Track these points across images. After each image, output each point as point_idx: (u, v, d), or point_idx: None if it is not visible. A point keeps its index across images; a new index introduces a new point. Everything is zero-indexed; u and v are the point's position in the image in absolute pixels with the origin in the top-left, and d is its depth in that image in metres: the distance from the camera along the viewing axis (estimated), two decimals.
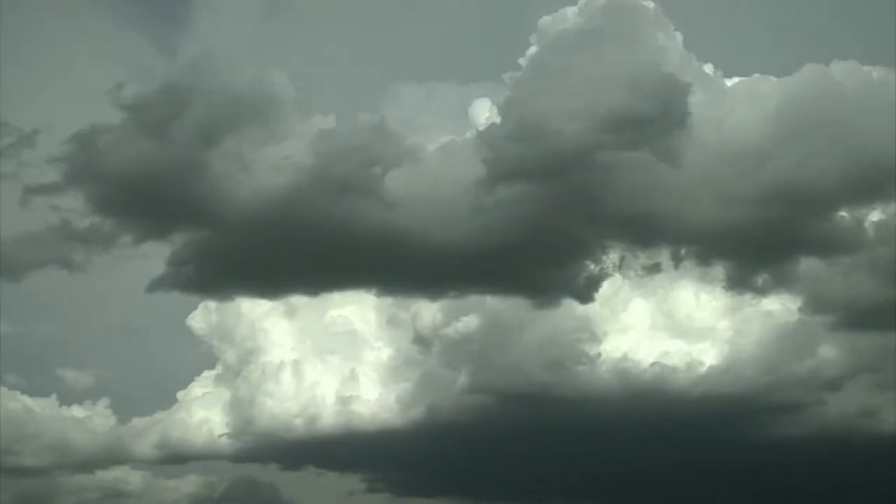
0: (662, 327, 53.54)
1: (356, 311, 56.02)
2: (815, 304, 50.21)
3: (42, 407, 57.51)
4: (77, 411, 57.92)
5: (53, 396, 58.37)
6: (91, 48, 77.74)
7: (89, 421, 57.36)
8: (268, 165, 46.46)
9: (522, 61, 46.58)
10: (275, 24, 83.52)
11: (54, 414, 57.46)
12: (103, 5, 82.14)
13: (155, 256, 48.89)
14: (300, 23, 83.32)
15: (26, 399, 57.51)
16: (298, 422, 54.17)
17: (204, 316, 56.94)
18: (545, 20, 46.84)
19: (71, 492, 57.46)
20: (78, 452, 56.69)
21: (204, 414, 56.27)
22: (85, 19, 79.86)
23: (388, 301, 54.41)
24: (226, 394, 56.73)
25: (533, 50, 46.50)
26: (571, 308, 50.77)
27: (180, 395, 58.03)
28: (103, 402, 58.35)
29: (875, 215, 47.28)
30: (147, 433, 56.46)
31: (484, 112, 49.12)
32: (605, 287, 50.14)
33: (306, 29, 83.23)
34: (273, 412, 54.33)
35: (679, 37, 46.31)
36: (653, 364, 51.82)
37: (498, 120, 45.77)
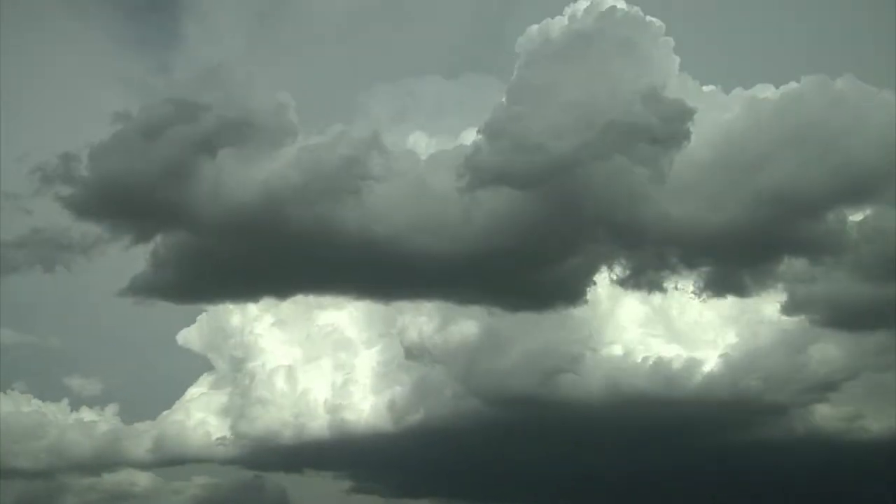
0: (654, 331, 53.58)
1: (350, 317, 56.76)
2: (804, 305, 50.42)
3: (53, 412, 58.86)
4: (86, 415, 59.21)
5: (65, 401, 59.72)
6: (87, 65, 78.85)
7: (97, 425, 58.50)
8: (261, 175, 46.96)
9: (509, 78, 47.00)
10: (265, 35, 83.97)
11: (65, 419, 58.80)
12: (97, 24, 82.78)
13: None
14: (290, 35, 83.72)
15: (38, 403, 58.92)
16: (293, 426, 54.83)
17: (200, 325, 58.07)
18: (521, 41, 47.33)
19: (79, 492, 58.62)
20: (84, 455, 57.76)
21: (204, 418, 56.99)
22: (80, 37, 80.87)
23: (382, 307, 54.94)
24: (224, 399, 57.55)
25: (520, 61, 46.79)
26: (563, 313, 51.25)
27: (180, 400, 58.81)
28: (111, 409, 59.76)
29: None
30: (151, 438, 57.36)
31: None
32: (597, 292, 50.73)
33: (296, 43, 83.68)
34: (269, 417, 55.01)
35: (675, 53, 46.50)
36: (644, 367, 51.92)
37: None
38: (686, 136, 44.30)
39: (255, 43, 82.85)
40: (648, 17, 45.92)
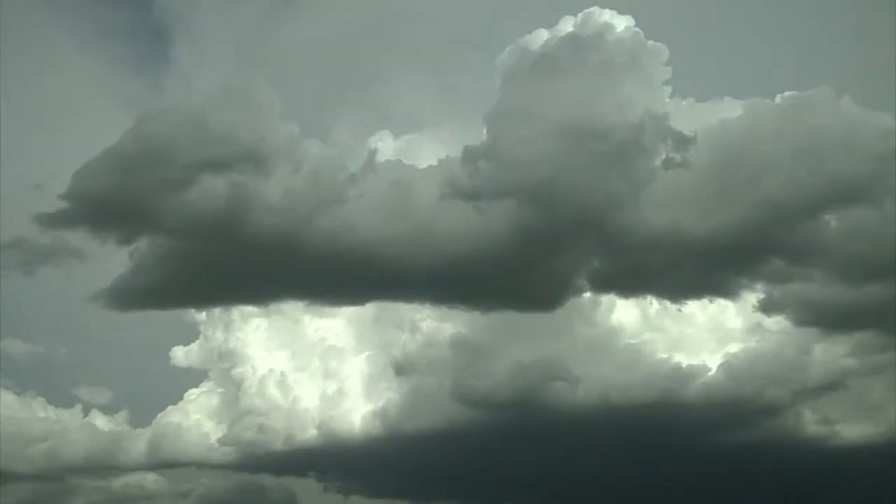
0: (644, 336, 53.97)
1: (340, 324, 57.32)
2: (790, 308, 50.93)
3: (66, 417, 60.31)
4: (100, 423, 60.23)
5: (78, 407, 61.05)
6: (84, 88, 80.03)
7: (105, 431, 59.59)
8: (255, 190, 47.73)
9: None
10: (253, 52, 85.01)
11: (78, 424, 59.86)
12: (93, 48, 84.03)
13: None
14: (278, 52, 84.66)
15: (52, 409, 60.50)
16: (288, 433, 55.48)
17: (194, 337, 59.12)
18: (500, 58, 47.77)
19: (89, 493, 59.90)
20: (92, 459, 58.79)
21: (202, 424, 57.92)
22: (78, 60, 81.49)
23: (371, 314, 55.93)
24: (222, 406, 58.08)
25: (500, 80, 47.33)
26: (553, 320, 51.90)
27: (180, 405, 59.40)
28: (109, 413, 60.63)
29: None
30: (147, 443, 58.11)
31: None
32: (584, 298, 51.42)
33: (283, 59, 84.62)
34: (264, 424, 55.65)
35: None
36: (634, 371, 52.29)
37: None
38: (685, 164, 45.13)
39: (244, 61, 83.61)
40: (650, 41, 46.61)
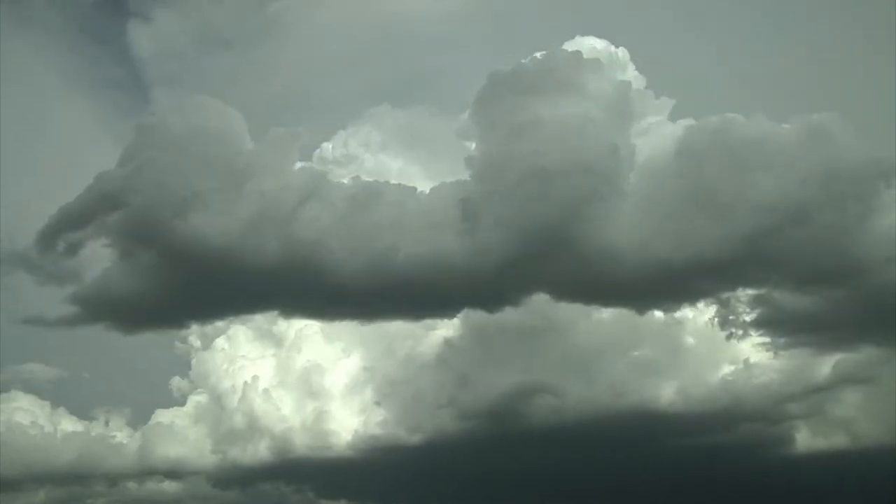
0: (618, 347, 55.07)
1: (326, 337, 58.78)
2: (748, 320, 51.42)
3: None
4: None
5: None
6: (76, 130, 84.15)
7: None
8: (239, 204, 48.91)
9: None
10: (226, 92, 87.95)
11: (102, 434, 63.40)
12: (77, 88, 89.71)
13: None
14: (250, 92, 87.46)
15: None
16: (278, 445, 57.46)
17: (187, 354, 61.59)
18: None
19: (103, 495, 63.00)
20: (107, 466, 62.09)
21: (202, 432, 60.57)
22: (63, 101, 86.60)
23: (356, 327, 56.34)
24: (217, 420, 60.33)
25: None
26: (539, 334, 53.54)
27: (182, 411, 62.05)
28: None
29: None
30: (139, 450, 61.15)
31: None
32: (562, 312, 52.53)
33: (258, 100, 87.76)
34: (252, 437, 57.88)
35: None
36: (612, 382, 53.75)
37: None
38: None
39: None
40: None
